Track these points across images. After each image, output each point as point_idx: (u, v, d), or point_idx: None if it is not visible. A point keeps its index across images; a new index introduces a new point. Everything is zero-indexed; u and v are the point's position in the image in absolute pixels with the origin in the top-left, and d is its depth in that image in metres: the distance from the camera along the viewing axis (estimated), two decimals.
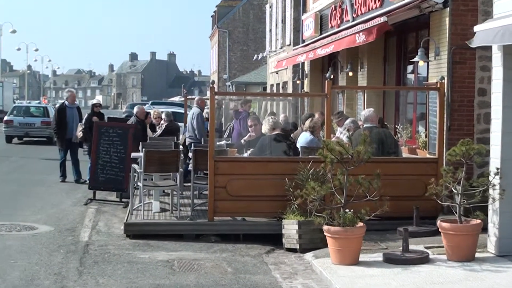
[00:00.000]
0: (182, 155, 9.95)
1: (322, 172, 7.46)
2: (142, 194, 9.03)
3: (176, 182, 9.10)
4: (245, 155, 9.34)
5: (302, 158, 8.42)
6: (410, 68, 11.51)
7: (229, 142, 10.97)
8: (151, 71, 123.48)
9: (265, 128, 8.80)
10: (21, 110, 25.52)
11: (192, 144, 10.92)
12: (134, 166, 9.61)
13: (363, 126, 8.92)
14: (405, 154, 9.95)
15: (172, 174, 9.71)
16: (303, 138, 9.71)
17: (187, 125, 12.58)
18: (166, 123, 13.13)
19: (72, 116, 13.02)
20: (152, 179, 9.64)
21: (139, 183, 9.11)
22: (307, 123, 9.87)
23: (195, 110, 12.34)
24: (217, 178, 8.14)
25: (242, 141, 9.85)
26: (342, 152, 6.63)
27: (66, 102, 13.16)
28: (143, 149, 9.02)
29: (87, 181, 11.46)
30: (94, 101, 13.72)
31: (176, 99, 69.49)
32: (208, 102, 10.78)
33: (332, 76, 14.79)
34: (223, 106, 15.85)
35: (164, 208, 9.24)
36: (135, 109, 12.71)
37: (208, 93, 9.69)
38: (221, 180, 8.13)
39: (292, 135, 10.82)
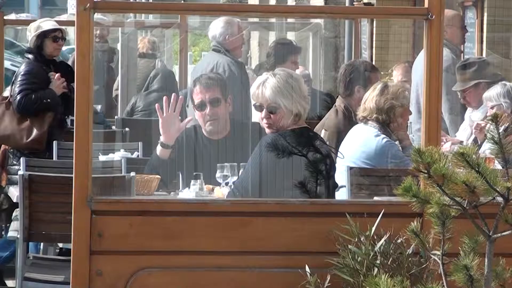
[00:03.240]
0: None
1: (415, 247, 6.70)
2: None
3: None
4: (187, 191, 8.53)
5: (351, 201, 8.12)
6: None
7: (135, 155, 10.48)
8: None
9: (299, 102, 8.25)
10: None
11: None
12: None
13: None
14: None
15: None
16: (359, 145, 9.54)
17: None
18: None
19: None
20: None
21: None
22: (372, 96, 9.55)
23: None
24: (99, 264, 6.94)
25: (161, 137, 9.33)
26: (474, 187, 5.99)
27: None
28: None
29: None
30: (47, 24, 12.57)
31: None
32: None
33: None
34: (120, 44, 15.49)
35: None
36: None
37: (71, 7, 8.26)
38: (113, 270, 6.99)
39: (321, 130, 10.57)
